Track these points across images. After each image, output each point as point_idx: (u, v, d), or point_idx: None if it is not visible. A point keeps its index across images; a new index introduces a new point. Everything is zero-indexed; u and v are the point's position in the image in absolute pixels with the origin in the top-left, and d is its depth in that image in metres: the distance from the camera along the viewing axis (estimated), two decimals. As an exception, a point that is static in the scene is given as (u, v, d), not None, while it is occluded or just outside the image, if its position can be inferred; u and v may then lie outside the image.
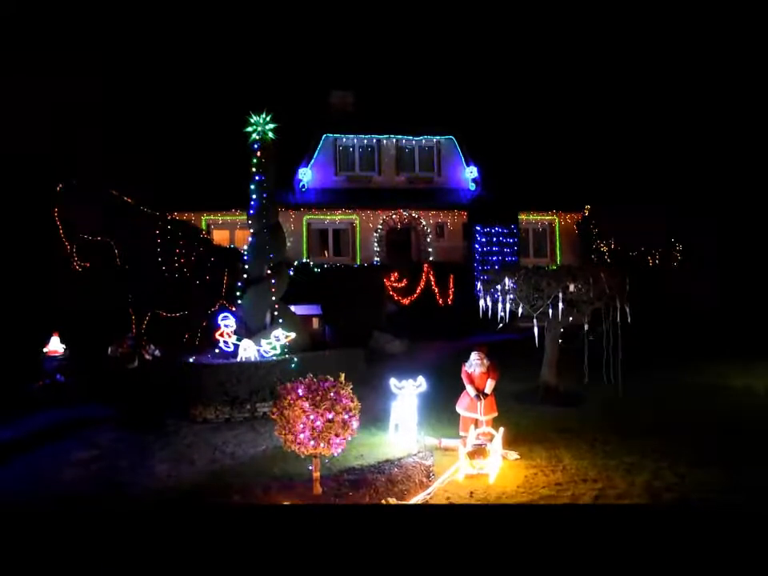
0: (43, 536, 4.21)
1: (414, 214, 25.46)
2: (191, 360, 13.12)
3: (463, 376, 9.75)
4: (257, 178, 13.83)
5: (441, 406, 11.43)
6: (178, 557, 4.03)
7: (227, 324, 12.97)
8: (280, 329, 12.95)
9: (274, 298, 13.60)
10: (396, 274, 23.17)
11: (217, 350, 13.11)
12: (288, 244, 16.65)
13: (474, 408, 9.56)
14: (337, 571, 3.77)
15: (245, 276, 13.95)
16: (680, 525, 4.25)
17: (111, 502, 7.68)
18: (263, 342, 12.88)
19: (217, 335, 13.02)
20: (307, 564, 3.84)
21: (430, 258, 25.08)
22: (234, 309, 13.81)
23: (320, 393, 7.36)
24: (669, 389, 13.50)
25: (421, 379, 10.30)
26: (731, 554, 3.63)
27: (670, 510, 6.63)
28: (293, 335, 13.01)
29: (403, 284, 23.13)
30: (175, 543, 4.21)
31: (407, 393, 10.26)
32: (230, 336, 12.92)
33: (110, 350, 13.82)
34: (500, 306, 13.06)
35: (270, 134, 13.81)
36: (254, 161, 13.84)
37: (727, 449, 9.24)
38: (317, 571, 3.79)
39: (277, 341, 12.84)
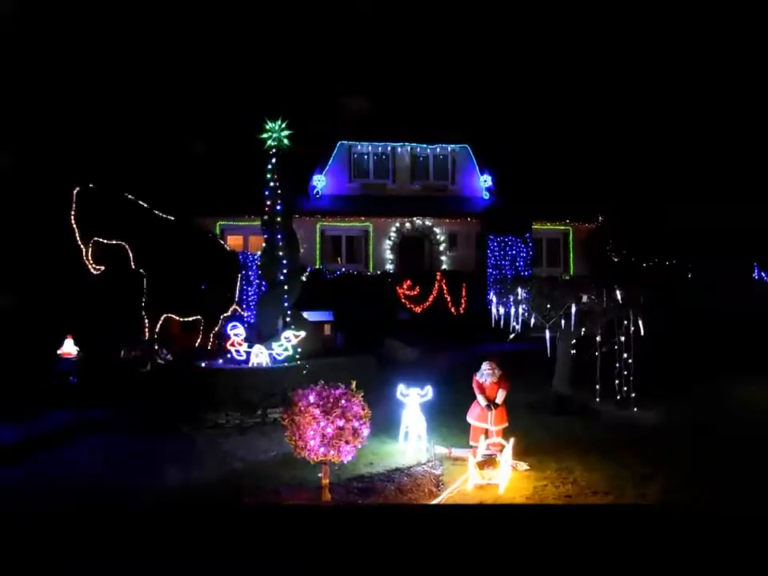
0: (55, 535, 4.24)
1: (427, 222, 25.45)
2: (203, 365, 13.17)
3: (474, 386, 9.73)
4: (271, 184, 13.89)
5: (451, 416, 11.39)
6: (186, 555, 4.04)
7: (237, 333, 13.02)
8: (289, 330, 13.01)
9: (286, 304, 13.64)
10: (409, 282, 23.17)
11: (228, 355, 13.16)
12: (301, 250, 16.69)
13: (484, 418, 9.54)
14: (346, 570, 3.78)
15: (258, 281, 14.00)
16: (680, 525, 4.22)
17: (122, 503, 7.72)
18: (274, 345, 12.94)
19: (228, 345, 13.06)
20: (317, 563, 3.84)
21: (443, 267, 25.07)
22: (246, 314, 13.86)
23: (331, 400, 7.37)
24: (684, 399, 13.37)
25: (428, 388, 10.26)
26: (730, 553, 3.61)
27: (670, 510, 6.58)
28: (302, 334, 13.07)
29: (416, 292, 23.12)
30: (183, 542, 4.23)
31: (412, 400, 10.25)
32: (240, 345, 12.96)
33: (122, 353, 13.92)
34: (512, 315, 13.03)
35: (285, 141, 13.88)
36: (269, 167, 13.91)
37: (741, 462, 9.14)
38: (326, 570, 3.80)
39: (288, 341, 12.89)
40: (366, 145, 26.39)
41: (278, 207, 13.91)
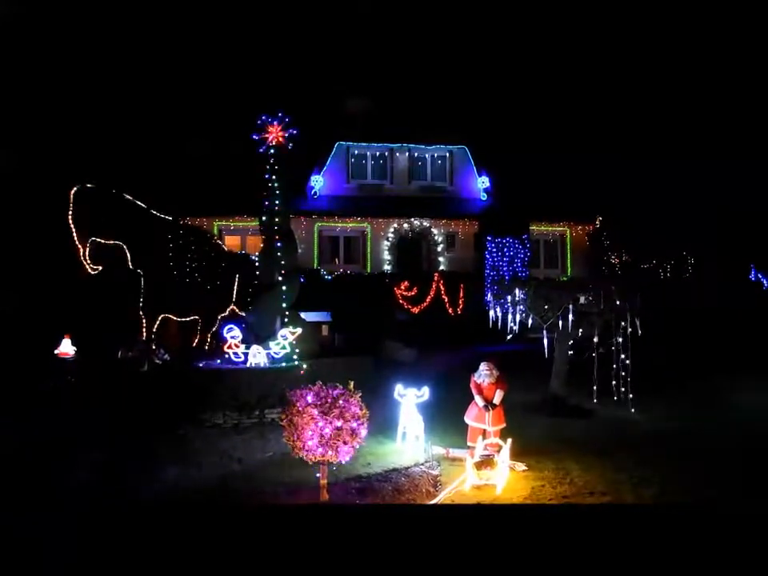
0: (54, 535, 4.23)
1: (425, 223, 25.48)
2: (201, 365, 13.15)
3: (472, 386, 9.74)
4: (269, 184, 13.90)
5: (449, 416, 11.39)
6: (184, 555, 4.04)
7: (234, 335, 13.02)
8: (285, 328, 13.04)
9: (284, 305, 13.64)
10: (406, 283, 23.18)
11: (226, 356, 13.15)
12: (299, 251, 16.70)
13: (482, 418, 9.55)
14: (344, 570, 3.78)
15: (256, 282, 14.00)
16: (678, 525, 4.22)
17: (119, 503, 7.71)
18: (272, 344, 12.95)
19: (225, 348, 13.06)
20: (313, 563, 3.84)
21: (441, 268, 25.09)
22: (243, 315, 13.87)
23: (329, 400, 7.38)
24: (681, 399, 13.40)
25: (425, 389, 10.28)
26: (729, 553, 3.61)
27: (669, 510, 6.58)
28: (299, 330, 13.09)
29: (413, 293, 23.13)
30: (181, 543, 4.22)
31: (409, 400, 10.27)
32: (237, 347, 12.96)
33: (120, 353, 13.89)
34: (510, 316, 13.04)
35: (284, 141, 13.88)
36: (267, 167, 13.91)
37: (740, 462, 9.15)
38: (324, 570, 3.80)
39: (284, 339, 12.91)
40: (365, 146, 26.42)
41: (276, 208, 13.91)
